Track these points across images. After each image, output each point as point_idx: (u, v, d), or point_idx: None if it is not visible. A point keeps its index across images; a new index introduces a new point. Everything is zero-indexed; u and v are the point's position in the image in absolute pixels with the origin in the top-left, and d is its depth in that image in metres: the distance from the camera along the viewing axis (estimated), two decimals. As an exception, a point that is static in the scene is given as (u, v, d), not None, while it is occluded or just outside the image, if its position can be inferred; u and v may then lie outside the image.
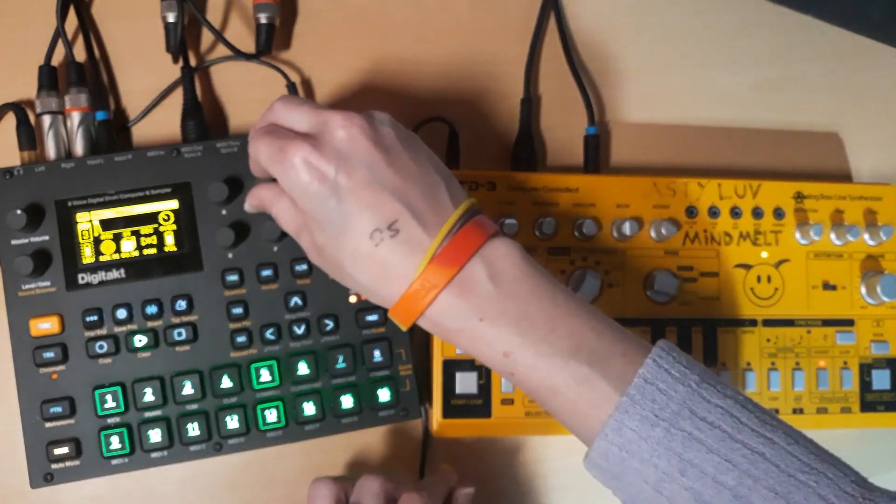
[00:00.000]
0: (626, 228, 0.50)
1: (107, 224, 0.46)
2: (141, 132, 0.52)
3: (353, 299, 0.48)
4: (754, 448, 0.35)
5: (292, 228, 0.41)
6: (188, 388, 0.46)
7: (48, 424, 0.45)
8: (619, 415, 0.36)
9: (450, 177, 0.40)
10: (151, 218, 0.47)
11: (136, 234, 0.47)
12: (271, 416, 0.47)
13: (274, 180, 0.41)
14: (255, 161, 0.41)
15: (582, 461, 0.38)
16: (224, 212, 0.47)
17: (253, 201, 0.44)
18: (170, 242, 0.47)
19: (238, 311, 0.47)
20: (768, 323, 0.52)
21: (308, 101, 0.41)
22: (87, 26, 0.52)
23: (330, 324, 0.47)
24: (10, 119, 0.49)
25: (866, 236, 0.54)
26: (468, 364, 0.48)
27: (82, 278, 0.46)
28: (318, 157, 0.37)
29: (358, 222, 0.37)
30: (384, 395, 0.48)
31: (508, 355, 0.38)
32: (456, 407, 0.48)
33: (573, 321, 0.38)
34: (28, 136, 0.48)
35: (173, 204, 0.47)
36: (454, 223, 0.38)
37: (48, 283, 0.46)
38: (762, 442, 0.35)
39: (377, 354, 0.48)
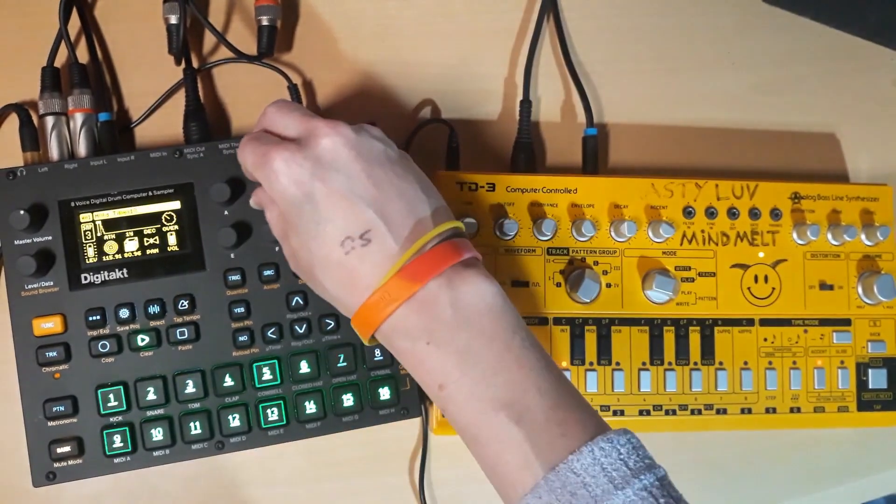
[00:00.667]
0: (625, 229, 0.50)
1: (109, 224, 0.47)
2: (143, 133, 0.52)
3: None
4: None
5: (279, 234, 0.41)
6: (190, 387, 0.46)
7: (51, 423, 0.46)
8: (532, 499, 0.33)
9: (438, 199, 0.40)
10: (154, 218, 0.47)
11: (139, 235, 0.47)
12: (273, 414, 0.47)
13: None
14: (244, 167, 0.41)
15: None
16: (226, 212, 0.47)
17: (255, 199, 0.44)
18: (172, 243, 0.47)
19: (240, 310, 0.47)
20: (765, 322, 0.53)
21: (300, 108, 0.41)
22: (90, 28, 0.52)
23: (331, 323, 0.48)
24: (14, 120, 0.50)
25: (863, 236, 0.54)
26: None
27: (85, 278, 0.46)
28: (297, 163, 0.37)
29: (331, 229, 0.37)
30: (385, 393, 0.48)
31: (443, 388, 0.36)
32: (456, 406, 0.48)
33: (520, 372, 0.36)
34: (31, 137, 0.49)
35: (176, 204, 0.47)
36: (429, 240, 0.37)
37: (51, 283, 0.46)
38: None
39: (378, 353, 0.48)
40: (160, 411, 0.47)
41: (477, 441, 0.36)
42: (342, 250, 0.37)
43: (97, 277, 0.46)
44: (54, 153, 0.49)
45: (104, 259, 0.47)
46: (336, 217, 0.37)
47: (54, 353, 0.45)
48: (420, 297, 0.36)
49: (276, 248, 0.48)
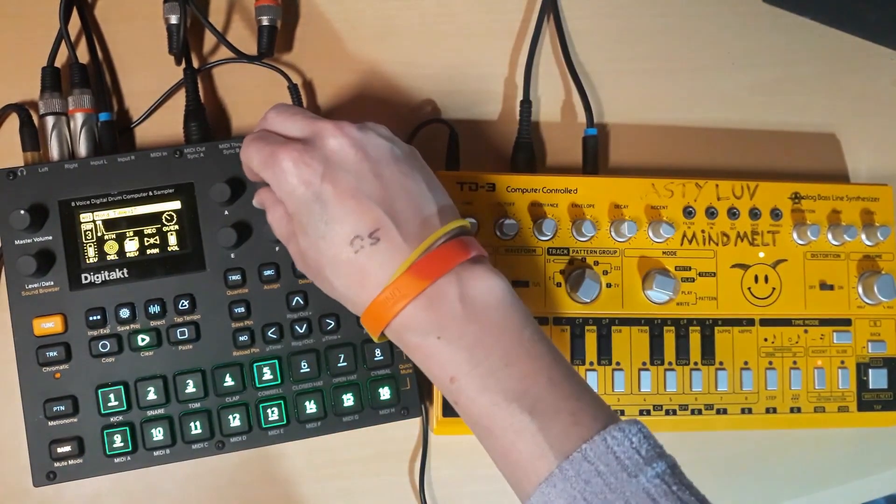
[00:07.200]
0: (625, 229, 0.50)
1: (110, 224, 0.47)
2: (144, 133, 0.52)
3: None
4: None
5: (283, 235, 0.42)
6: (191, 387, 0.46)
7: (51, 423, 0.46)
8: (547, 487, 0.33)
9: (444, 197, 0.40)
10: (154, 218, 0.47)
11: (139, 235, 0.47)
12: (273, 414, 0.47)
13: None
14: (248, 167, 0.41)
15: None
16: (226, 212, 0.47)
17: (258, 199, 0.45)
18: (172, 242, 0.47)
19: (240, 310, 0.47)
20: (766, 322, 0.53)
21: (302, 111, 0.41)
22: (90, 28, 0.52)
23: (331, 323, 0.48)
24: (14, 120, 0.50)
25: (863, 236, 0.54)
26: (468, 363, 0.48)
27: (85, 278, 0.46)
28: (306, 163, 0.38)
29: (340, 228, 0.37)
30: (385, 393, 0.48)
31: (454, 381, 0.36)
32: (456, 406, 0.48)
33: (531, 364, 0.36)
34: (31, 137, 0.49)
35: (176, 204, 0.47)
36: (438, 238, 0.38)
37: (51, 283, 0.46)
38: None
39: (378, 353, 0.48)
40: (160, 411, 0.47)
41: (490, 432, 0.36)
42: (351, 249, 0.37)
43: (97, 277, 0.46)
44: (54, 153, 0.49)
45: (104, 259, 0.47)
46: (345, 217, 0.37)
47: (54, 353, 0.46)
48: (429, 293, 0.37)
49: (277, 248, 0.48)
